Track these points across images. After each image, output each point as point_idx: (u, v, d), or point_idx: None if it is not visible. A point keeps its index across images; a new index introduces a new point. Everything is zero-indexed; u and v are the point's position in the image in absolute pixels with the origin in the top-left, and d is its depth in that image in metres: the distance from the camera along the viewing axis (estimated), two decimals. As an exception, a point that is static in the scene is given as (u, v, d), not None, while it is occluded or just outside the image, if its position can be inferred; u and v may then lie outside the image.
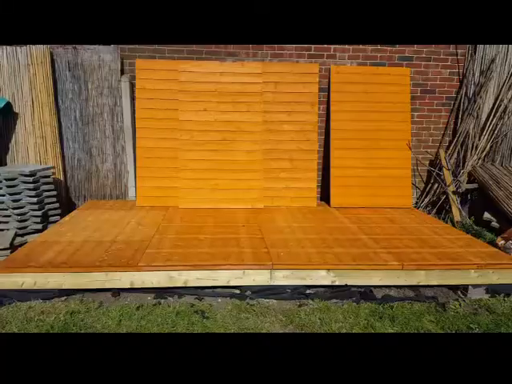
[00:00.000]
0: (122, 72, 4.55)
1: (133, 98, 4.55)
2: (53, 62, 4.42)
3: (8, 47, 4.28)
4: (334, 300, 2.85)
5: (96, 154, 4.69)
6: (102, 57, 4.49)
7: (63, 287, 2.78)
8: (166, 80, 4.43)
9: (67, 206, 4.61)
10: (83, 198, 4.76)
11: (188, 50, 4.55)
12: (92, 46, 4.46)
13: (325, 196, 4.84)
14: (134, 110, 4.50)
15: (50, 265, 2.80)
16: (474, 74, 4.80)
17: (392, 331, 2.48)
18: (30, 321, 2.48)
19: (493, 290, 3.00)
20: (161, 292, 2.84)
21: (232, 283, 2.88)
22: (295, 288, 2.91)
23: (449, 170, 4.75)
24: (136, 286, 2.82)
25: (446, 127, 5.00)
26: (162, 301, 2.78)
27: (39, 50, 4.30)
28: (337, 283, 2.94)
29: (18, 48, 4.29)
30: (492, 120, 4.79)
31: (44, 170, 4.10)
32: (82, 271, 2.79)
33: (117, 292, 2.83)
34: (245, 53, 4.62)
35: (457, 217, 4.55)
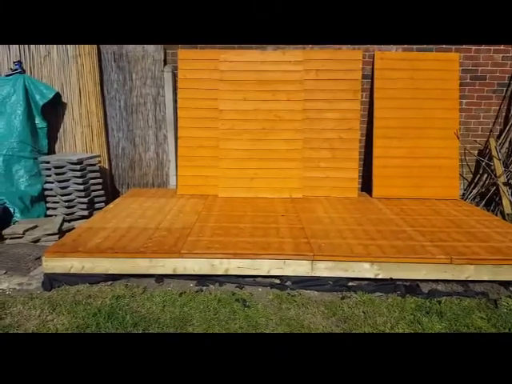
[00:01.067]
0: (165, 62, 4.63)
1: (175, 88, 4.61)
2: (99, 52, 4.56)
3: (57, 40, 4.45)
4: (378, 293, 2.79)
5: (139, 143, 4.82)
6: (145, 48, 4.58)
7: (109, 272, 2.88)
8: (207, 70, 4.45)
9: (112, 193, 4.79)
10: (127, 186, 4.93)
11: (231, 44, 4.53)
12: (135, 37, 4.54)
13: (366, 186, 4.72)
14: (176, 100, 4.58)
15: (97, 250, 2.91)
16: (530, 58, 4.47)
17: (440, 327, 2.39)
18: (78, 304, 2.59)
19: (550, 286, 2.83)
20: (202, 279, 2.89)
21: (272, 273, 2.89)
22: (337, 280, 2.87)
23: (499, 159, 4.48)
24: (178, 272, 2.89)
25: (496, 115, 4.71)
26: (204, 288, 2.82)
27: (86, 42, 4.45)
28: (380, 276, 2.88)
29: (67, 40, 4.45)
30: (549, 107, 4.46)
31: (90, 158, 4.27)
32: (127, 257, 2.88)
33: (160, 278, 2.91)
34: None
35: (508, 209, 4.30)
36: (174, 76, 4.61)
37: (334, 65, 4.43)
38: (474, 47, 4.54)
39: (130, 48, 4.58)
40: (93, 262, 2.88)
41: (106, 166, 4.75)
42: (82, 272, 2.88)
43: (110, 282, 2.87)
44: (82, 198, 4.13)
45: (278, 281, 2.90)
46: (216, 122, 4.48)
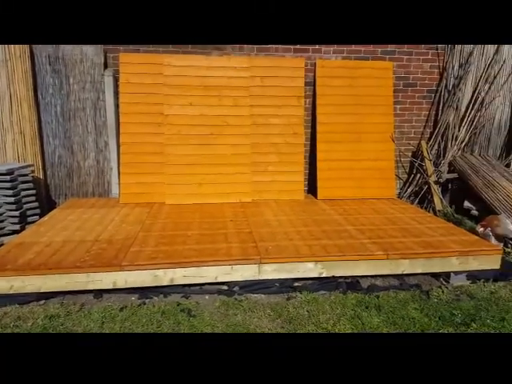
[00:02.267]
0: (106, 66, 4.46)
1: (116, 93, 4.46)
2: (32, 56, 4.29)
3: (-18, 41, 4.13)
4: (322, 292, 2.88)
5: (78, 151, 4.59)
6: (84, 51, 4.38)
7: (42, 290, 2.68)
8: (150, 74, 4.35)
9: (47, 205, 4.50)
10: (64, 197, 4.66)
11: (173, 44, 4.48)
12: (71, 40, 4.34)
13: (312, 189, 4.87)
14: (118, 105, 4.42)
15: (28, 267, 2.69)
16: (453, 67, 4.89)
17: (378, 320, 2.52)
18: (4, 328, 2.39)
19: (473, 276, 3.10)
20: (145, 292, 2.79)
21: (220, 279, 2.87)
22: (283, 281, 2.92)
23: (430, 160, 4.84)
24: (119, 286, 2.76)
25: (427, 119, 5.09)
26: (147, 300, 2.73)
27: (17, 45, 4.16)
28: (324, 275, 2.97)
29: (-6, 42, 4.15)
30: (471, 112, 4.90)
31: (22, 168, 3.99)
32: (62, 273, 2.70)
33: (99, 293, 2.77)
34: (231, 47, 4.58)
35: (438, 206, 4.65)
36: (116, 80, 4.45)
37: (279, 72, 4.54)
38: (405, 56, 4.87)
39: (67, 51, 4.36)
40: (23, 281, 2.66)
41: (41, 176, 4.46)
42: (11, 292, 2.66)
43: (42, 301, 2.68)
44: (12, 212, 3.82)
45: (225, 287, 2.90)
46: (161, 128, 4.39)
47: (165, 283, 2.81)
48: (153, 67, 4.36)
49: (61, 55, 4.36)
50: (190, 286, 2.86)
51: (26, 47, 4.20)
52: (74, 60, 4.39)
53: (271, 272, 2.92)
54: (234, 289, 2.87)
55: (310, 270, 2.95)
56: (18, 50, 4.18)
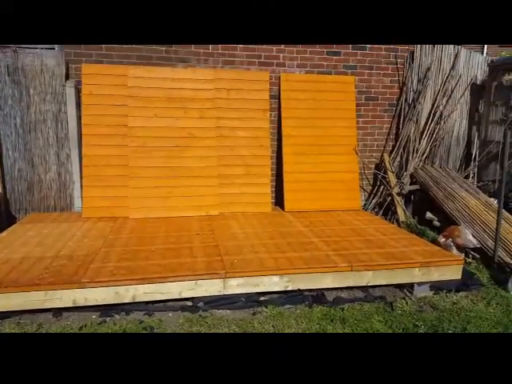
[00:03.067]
0: (67, 77, 4.35)
1: (79, 104, 4.35)
2: (-12, 66, 4.13)
3: None
4: (288, 305, 2.88)
5: (38, 164, 4.43)
6: (44, 61, 4.26)
7: (-4, 310, 2.56)
8: (114, 85, 4.29)
9: (7, 220, 4.30)
10: (25, 211, 4.47)
11: (138, 56, 4.44)
12: (34, 50, 4.22)
13: (279, 201, 4.91)
14: (80, 117, 4.31)
15: (-18, 286, 2.57)
16: (412, 82, 5.10)
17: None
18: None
19: (436, 287, 3.17)
20: (106, 309, 2.71)
21: (184, 295, 2.82)
22: (249, 296, 2.90)
23: (393, 172, 5.00)
24: (79, 304, 2.67)
25: (388, 132, 5.27)
26: (108, 319, 2.65)
27: (-29, 53, 4.01)
28: (290, 288, 2.97)
29: None
30: (430, 125, 5.12)
31: (-22, 182, 3.81)
32: (19, 291, 2.59)
33: (58, 312, 2.66)
34: (196, 59, 4.58)
35: (402, 217, 4.79)
36: (78, 91, 4.35)
37: (244, 84, 4.58)
38: (367, 71, 5.04)
39: (27, 61, 4.23)
40: (-25, 301, 2.54)
41: (0, 190, 4.27)
42: (-37, 312, 2.53)
43: (-3, 322, 2.55)
44: (-33, 228, 3.64)
45: (190, 303, 2.84)
46: (125, 140, 4.32)
47: (127, 300, 2.73)
48: (116, 79, 4.30)
49: (20, 65, 4.23)
50: (153, 302, 2.79)
51: (-18, 56, 4.04)
52: (34, 71, 4.26)
53: (236, 287, 2.90)
54: (199, 305, 2.82)
55: (275, 283, 2.95)
56: (-26, 59, 4.02)
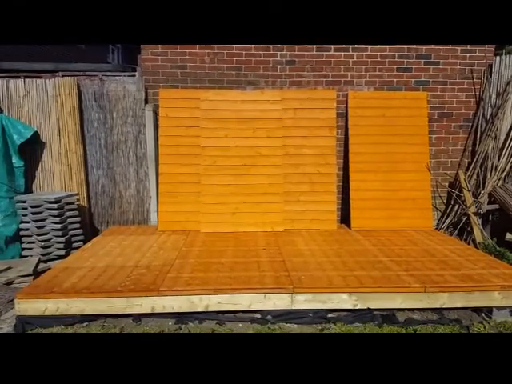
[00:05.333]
0: (146, 101, 4.76)
1: (156, 126, 4.72)
2: (79, 92, 4.66)
3: (38, 79, 4.54)
4: (357, 324, 2.81)
5: (119, 180, 4.84)
6: (126, 87, 4.71)
7: (85, 313, 2.81)
8: (188, 108, 4.60)
9: (91, 231, 4.74)
10: (106, 224, 4.89)
11: (210, 80, 4.73)
12: (117, 77, 4.69)
13: (345, 218, 4.83)
14: (157, 138, 4.68)
15: (72, 290, 2.85)
16: (490, 96, 4.81)
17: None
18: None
19: (518, 312, 2.91)
20: (181, 317, 2.85)
21: (253, 307, 2.89)
22: (316, 312, 2.88)
23: (469, 191, 4.69)
24: (157, 311, 2.85)
25: (464, 149, 4.98)
26: (183, 326, 2.79)
27: (67, 82, 4.55)
28: (359, 307, 2.91)
29: (47, 80, 4.56)
30: (511, 141, 4.75)
31: (69, 196, 4.26)
32: (103, 297, 2.82)
33: (138, 318, 2.85)
34: (264, 81, 4.77)
35: (479, 238, 4.45)
36: (156, 114, 4.73)
37: (311, 104, 4.65)
38: (440, 86, 4.86)
39: (111, 87, 4.71)
40: (68, 303, 2.80)
41: (85, 204, 4.73)
42: (57, 314, 2.80)
43: (85, 324, 2.80)
44: (59, 238, 4.06)
45: (258, 315, 2.90)
46: (197, 159, 4.58)
47: (200, 309, 2.86)
48: (190, 102, 4.61)
49: (105, 92, 4.71)
50: (223, 312, 2.89)
51: (74, 84, 4.58)
52: (117, 96, 4.73)
53: (304, 302, 2.90)
54: (267, 317, 2.86)
55: (343, 301, 2.90)
56: (68, 87, 4.56)
